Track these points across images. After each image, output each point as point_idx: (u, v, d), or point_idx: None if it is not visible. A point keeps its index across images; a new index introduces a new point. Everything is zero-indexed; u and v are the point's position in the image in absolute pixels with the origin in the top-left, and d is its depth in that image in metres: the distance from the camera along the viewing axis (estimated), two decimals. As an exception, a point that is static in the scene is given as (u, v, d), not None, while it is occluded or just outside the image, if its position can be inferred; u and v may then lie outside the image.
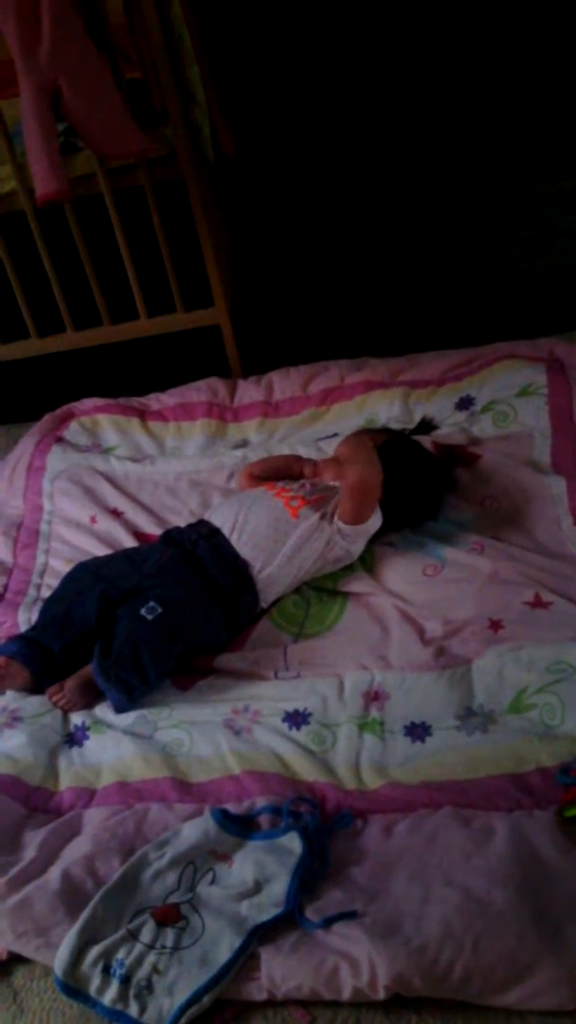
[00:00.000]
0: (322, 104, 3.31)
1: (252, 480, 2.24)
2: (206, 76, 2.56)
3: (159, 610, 1.90)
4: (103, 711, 1.88)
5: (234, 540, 2.03)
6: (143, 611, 1.90)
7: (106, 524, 2.30)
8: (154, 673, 1.87)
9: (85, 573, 2.06)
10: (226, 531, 2.04)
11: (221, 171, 2.89)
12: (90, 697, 1.90)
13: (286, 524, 2.03)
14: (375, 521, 2.06)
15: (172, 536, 2.10)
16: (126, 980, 1.43)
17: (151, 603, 1.91)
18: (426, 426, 2.26)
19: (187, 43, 2.46)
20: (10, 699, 1.90)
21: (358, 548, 2.08)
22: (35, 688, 1.93)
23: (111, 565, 2.07)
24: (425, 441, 2.23)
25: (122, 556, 2.12)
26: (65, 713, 1.88)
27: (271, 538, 2.02)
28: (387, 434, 2.21)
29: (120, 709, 1.87)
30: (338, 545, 2.04)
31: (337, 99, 3.30)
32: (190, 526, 2.12)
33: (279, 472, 2.21)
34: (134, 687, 1.86)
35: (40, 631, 1.99)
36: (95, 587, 2.00)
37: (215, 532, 2.05)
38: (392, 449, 2.13)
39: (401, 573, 2.05)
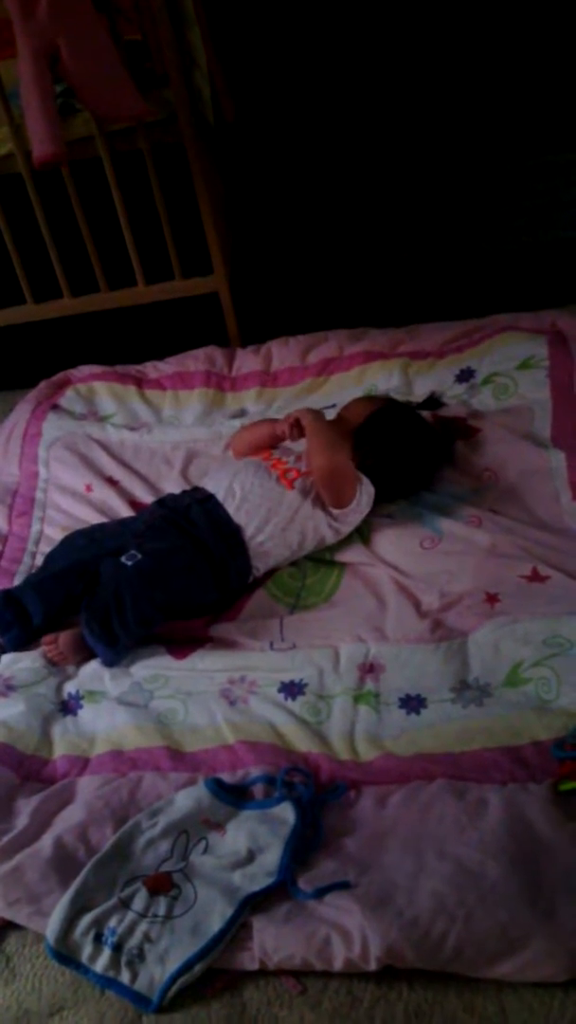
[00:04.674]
0: (324, 69, 3.26)
1: (240, 455, 2.23)
2: (207, 39, 2.52)
3: (139, 556, 1.93)
4: (96, 682, 1.87)
5: (227, 505, 2.03)
6: (123, 558, 1.93)
7: (102, 492, 2.29)
8: (135, 619, 1.87)
9: (79, 537, 2.09)
10: (220, 497, 2.04)
11: (221, 136, 2.85)
12: (83, 654, 1.91)
13: (279, 495, 2.03)
14: (364, 498, 2.04)
15: (165, 501, 2.12)
16: (118, 948, 1.43)
17: (132, 551, 1.94)
18: (433, 402, 2.24)
19: (188, 5, 2.42)
20: (3, 667, 1.90)
21: (354, 524, 2.07)
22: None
23: (104, 529, 2.10)
24: (425, 414, 2.21)
25: (116, 521, 2.15)
26: (59, 682, 1.88)
27: (264, 506, 2.01)
28: (386, 401, 2.19)
29: (108, 663, 1.88)
30: (331, 525, 2.04)
31: (339, 64, 3.26)
32: (184, 492, 2.13)
33: (262, 444, 2.19)
34: (117, 636, 1.86)
35: (25, 590, 2.00)
36: (87, 549, 2.03)
37: (209, 497, 2.05)
38: (386, 417, 2.12)
39: (398, 545, 2.04)
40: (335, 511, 2.03)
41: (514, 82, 3.27)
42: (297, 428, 2.09)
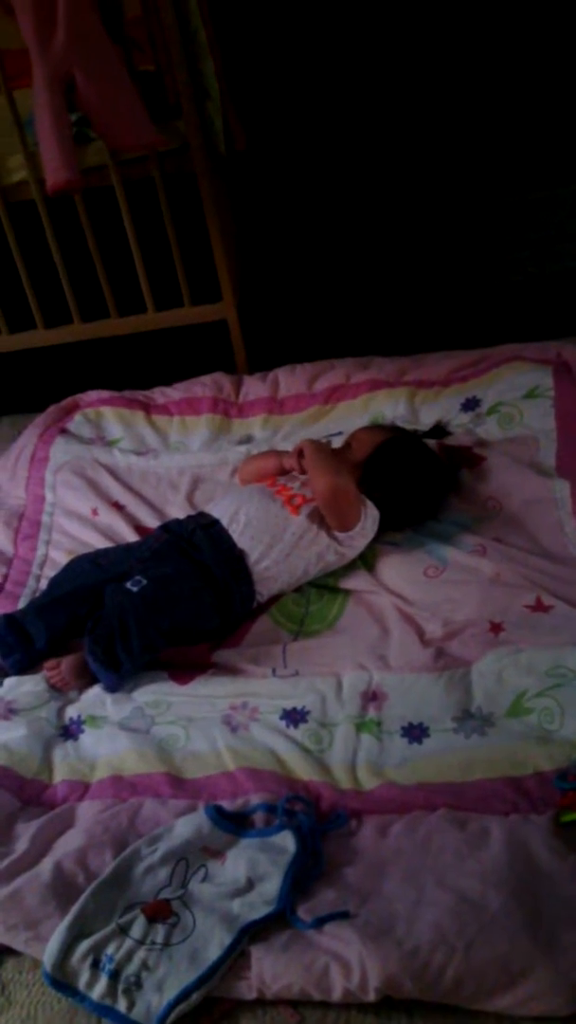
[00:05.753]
0: (333, 100, 3.29)
1: (246, 484, 2.24)
2: (219, 70, 2.55)
3: (144, 582, 1.92)
4: (98, 707, 1.87)
5: (232, 531, 2.03)
6: (128, 584, 1.93)
7: (108, 517, 2.29)
8: (139, 645, 1.87)
9: (84, 562, 2.09)
10: (224, 522, 2.05)
11: (231, 165, 2.88)
12: (86, 679, 1.90)
13: (284, 520, 2.03)
14: (369, 521, 2.05)
15: (170, 526, 2.12)
16: (115, 975, 1.42)
17: (137, 577, 1.94)
18: (439, 431, 2.24)
19: (202, 37, 2.45)
20: (5, 690, 1.90)
21: (359, 549, 2.07)
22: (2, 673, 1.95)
23: (108, 555, 2.10)
24: (431, 442, 2.22)
25: (121, 547, 2.15)
26: (60, 707, 1.88)
27: (268, 532, 2.02)
28: (392, 431, 2.20)
29: (111, 688, 1.88)
30: (336, 550, 2.04)
31: (348, 95, 3.29)
32: (189, 517, 2.13)
33: (269, 475, 2.20)
34: (121, 662, 1.86)
35: (28, 614, 2.00)
36: (92, 573, 2.03)
37: (214, 523, 2.05)
38: (394, 447, 2.12)
39: (402, 573, 2.04)
40: (340, 535, 2.03)
41: (520, 114, 3.30)
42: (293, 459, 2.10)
